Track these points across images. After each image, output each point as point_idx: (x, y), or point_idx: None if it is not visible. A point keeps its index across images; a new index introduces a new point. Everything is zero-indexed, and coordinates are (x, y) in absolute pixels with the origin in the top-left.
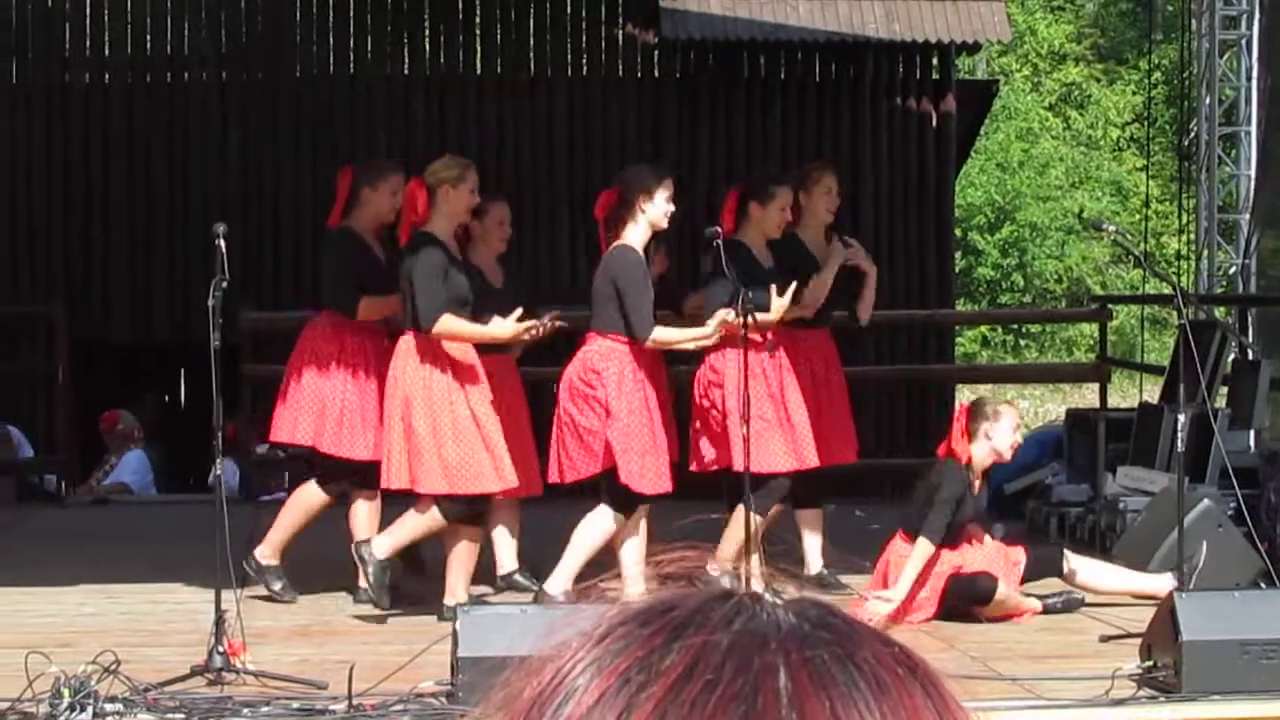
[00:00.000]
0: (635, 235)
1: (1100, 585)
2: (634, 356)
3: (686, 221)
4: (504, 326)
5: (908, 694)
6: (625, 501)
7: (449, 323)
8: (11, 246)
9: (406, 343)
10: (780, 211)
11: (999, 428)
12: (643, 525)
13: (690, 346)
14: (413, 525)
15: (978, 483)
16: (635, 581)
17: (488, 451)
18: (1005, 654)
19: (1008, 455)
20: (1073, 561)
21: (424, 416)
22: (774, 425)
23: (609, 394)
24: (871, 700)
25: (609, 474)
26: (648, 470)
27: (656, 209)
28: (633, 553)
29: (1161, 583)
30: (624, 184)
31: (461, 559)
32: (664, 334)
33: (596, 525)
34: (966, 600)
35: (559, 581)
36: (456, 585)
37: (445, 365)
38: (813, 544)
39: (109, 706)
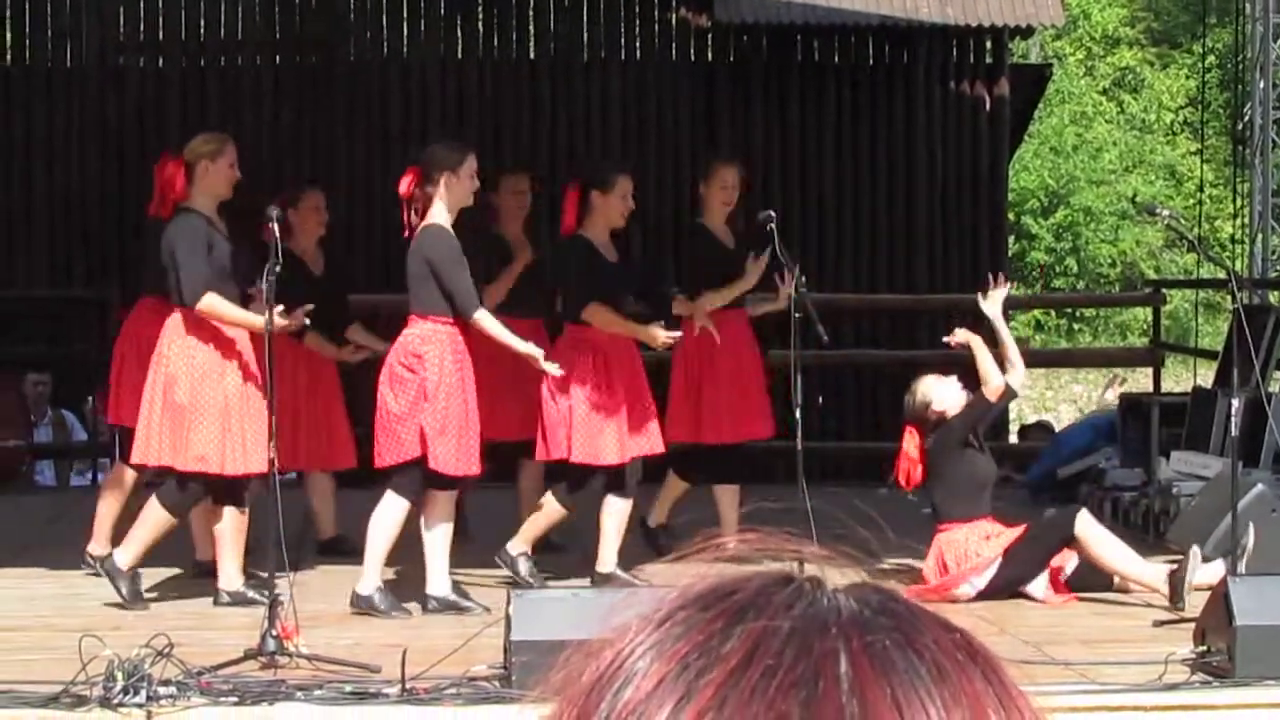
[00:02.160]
0: (441, 214)
1: (1102, 556)
2: (457, 337)
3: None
4: (257, 318)
5: (968, 680)
6: (435, 483)
7: (211, 301)
8: (65, 232)
9: (174, 319)
10: (622, 200)
11: (928, 391)
12: (451, 509)
13: (517, 346)
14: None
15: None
16: (437, 560)
17: (226, 434)
18: (1058, 638)
19: (999, 385)
20: (1082, 524)
21: (187, 394)
22: (608, 416)
23: (427, 377)
24: (932, 686)
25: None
26: (461, 453)
27: (461, 187)
28: (440, 538)
29: (1157, 574)
30: (427, 163)
31: (228, 540)
32: (488, 318)
33: (391, 512)
34: (1048, 546)
35: (370, 579)
36: (228, 567)
37: (210, 341)
38: (729, 519)
39: (162, 690)
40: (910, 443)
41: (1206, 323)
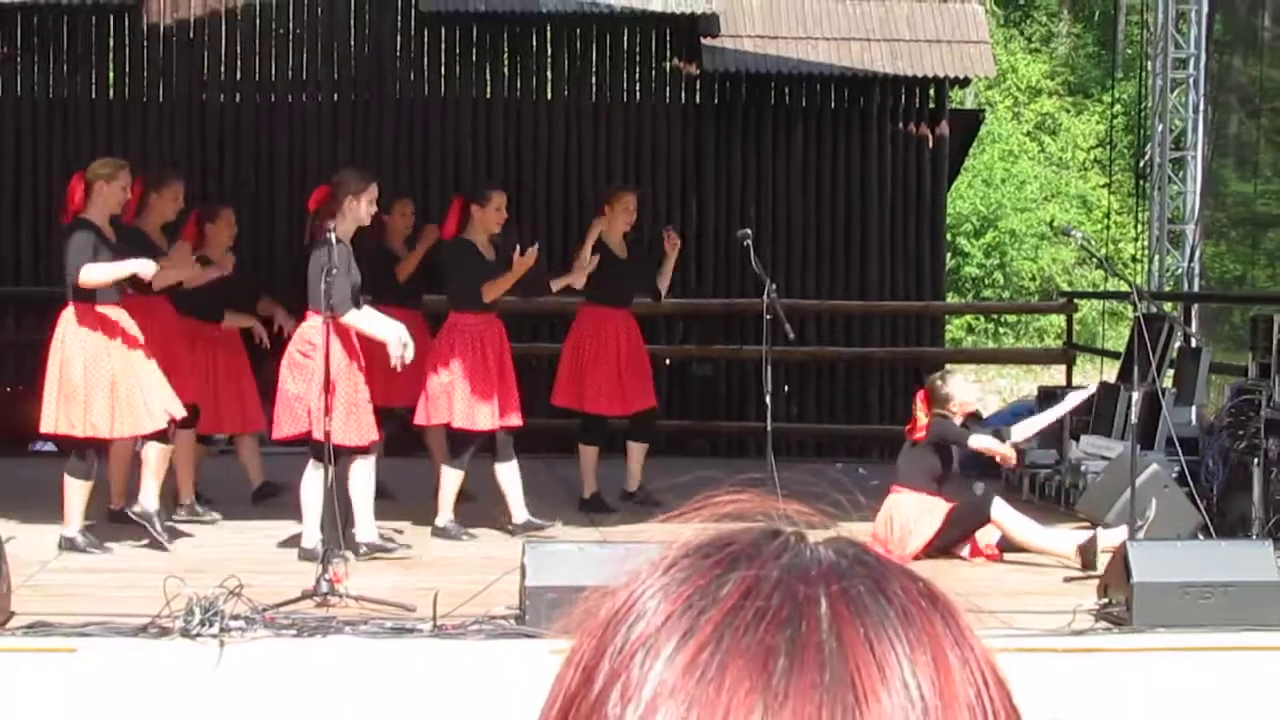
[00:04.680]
0: (342, 228)
1: (1015, 536)
2: (342, 329)
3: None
4: (139, 264)
5: (929, 622)
6: (332, 455)
7: (90, 270)
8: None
9: (67, 313)
10: (496, 211)
11: (956, 389)
12: (370, 471)
13: (379, 335)
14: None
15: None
16: (364, 513)
17: (115, 404)
18: (984, 591)
19: (974, 405)
20: (996, 512)
21: (80, 373)
22: (483, 389)
23: (319, 362)
24: (899, 626)
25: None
26: (350, 425)
27: (360, 208)
28: (363, 495)
29: (1066, 546)
30: (337, 184)
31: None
32: (356, 317)
33: (313, 479)
34: (969, 524)
35: (310, 535)
36: (71, 514)
37: (98, 328)
38: (636, 466)
39: (233, 623)
40: (920, 409)
41: (1111, 328)
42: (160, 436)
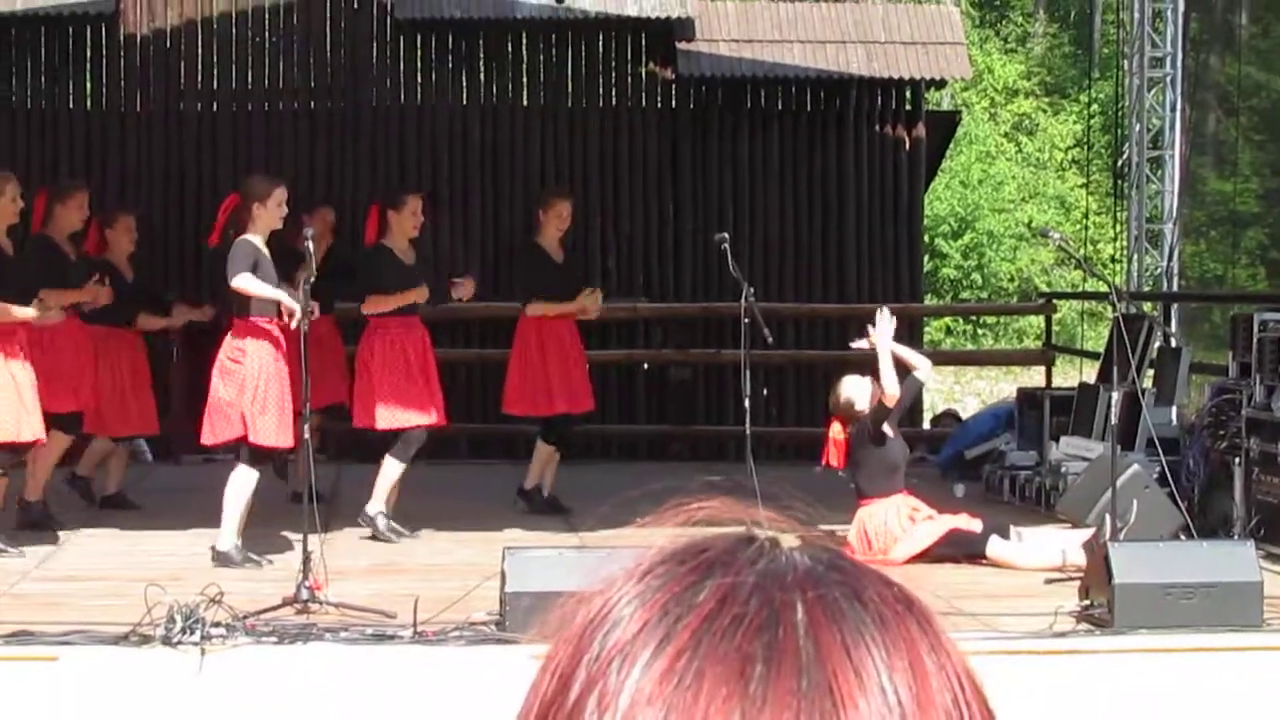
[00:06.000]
0: (252, 231)
1: (1018, 566)
2: (274, 333)
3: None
4: (20, 311)
5: (905, 627)
6: (258, 457)
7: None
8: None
9: None
10: (413, 215)
11: (854, 392)
12: (250, 481)
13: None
14: None
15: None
16: (231, 521)
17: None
18: (966, 593)
19: (895, 391)
20: (993, 550)
21: None
22: (407, 389)
23: (249, 368)
24: (875, 632)
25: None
26: (280, 428)
27: (269, 212)
28: (236, 502)
29: (1073, 555)
30: (245, 191)
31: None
32: (244, 281)
33: (240, 482)
34: (961, 554)
35: (228, 537)
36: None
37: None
38: (537, 470)
39: (214, 630)
40: (836, 430)
41: (1090, 329)
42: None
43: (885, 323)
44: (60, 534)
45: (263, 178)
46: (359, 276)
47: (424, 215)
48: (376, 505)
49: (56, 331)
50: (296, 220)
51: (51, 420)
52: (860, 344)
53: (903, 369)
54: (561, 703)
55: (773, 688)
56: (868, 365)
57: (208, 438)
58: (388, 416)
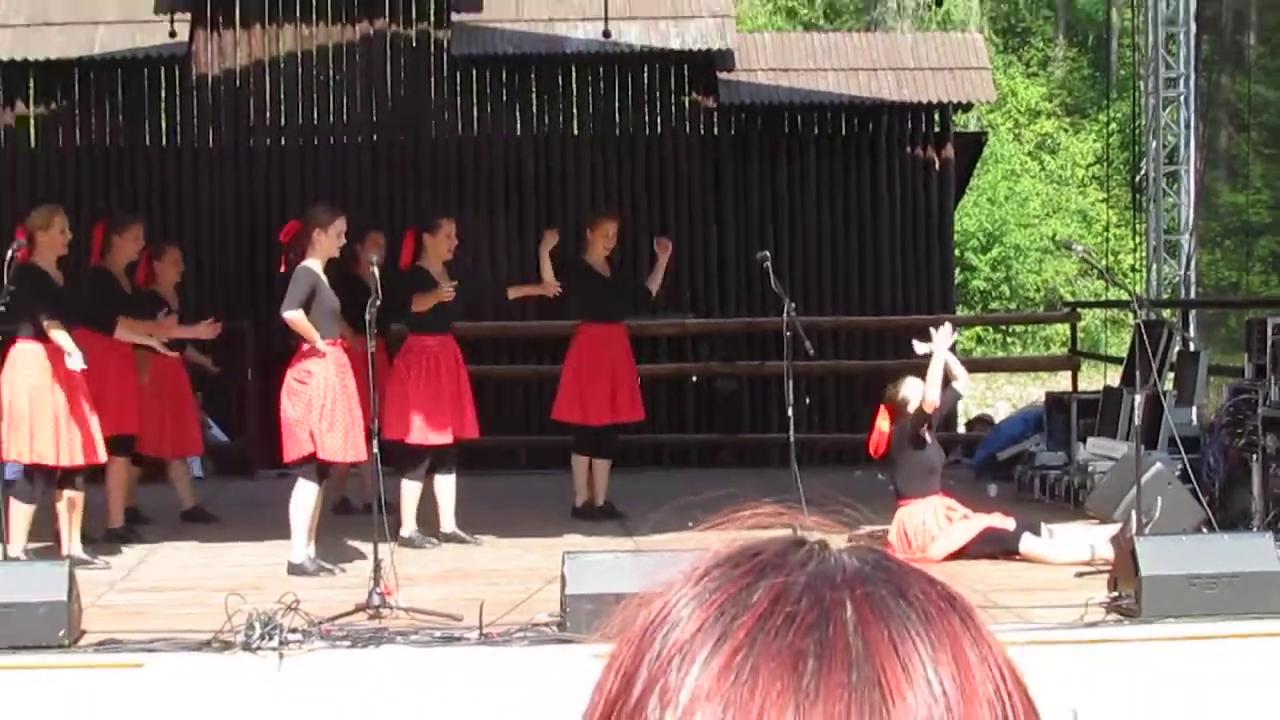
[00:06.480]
0: (312, 259)
1: (1049, 561)
2: (339, 354)
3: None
4: (69, 354)
5: (948, 622)
6: (319, 472)
7: (47, 320)
8: (210, 277)
9: (14, 350)
10: (447, 239)
11: (911, 391)
12: (315, 495)
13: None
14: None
15: (927, 434)
16: (300, 530)
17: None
18: (1001, 587)
19: (935, 399)
20: (1026, 546)
21: (25, 404)
22: (437, 405)
23: (314, 388)
24: (920, 628)
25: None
26: (348, 443)
27: (329, 239)
28: (303, 514)
29: (1102, 549)
30: (306, 218)
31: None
32: (294, 316)
33: (301, 495)
34: (996, 551)
35: (299, 549)
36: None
37: (33, 365)
38: (597, 483)
39: (291, 636)
40: (883, 420)
41: (1113, 335)
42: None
43: (946, 334)
44: (143, 547)
45: (325, 207)
46: (395, 298)
47: (458, 238)
48: (409, 527)
49: (104, 357)
50: (350, 248)
51: (107, 444)
52: (922, 348)
53: (946, 378)
54: (625, 700)
55: (825, 682)
56: (913, 372)
57: (286, 457)
58: (420, 431)
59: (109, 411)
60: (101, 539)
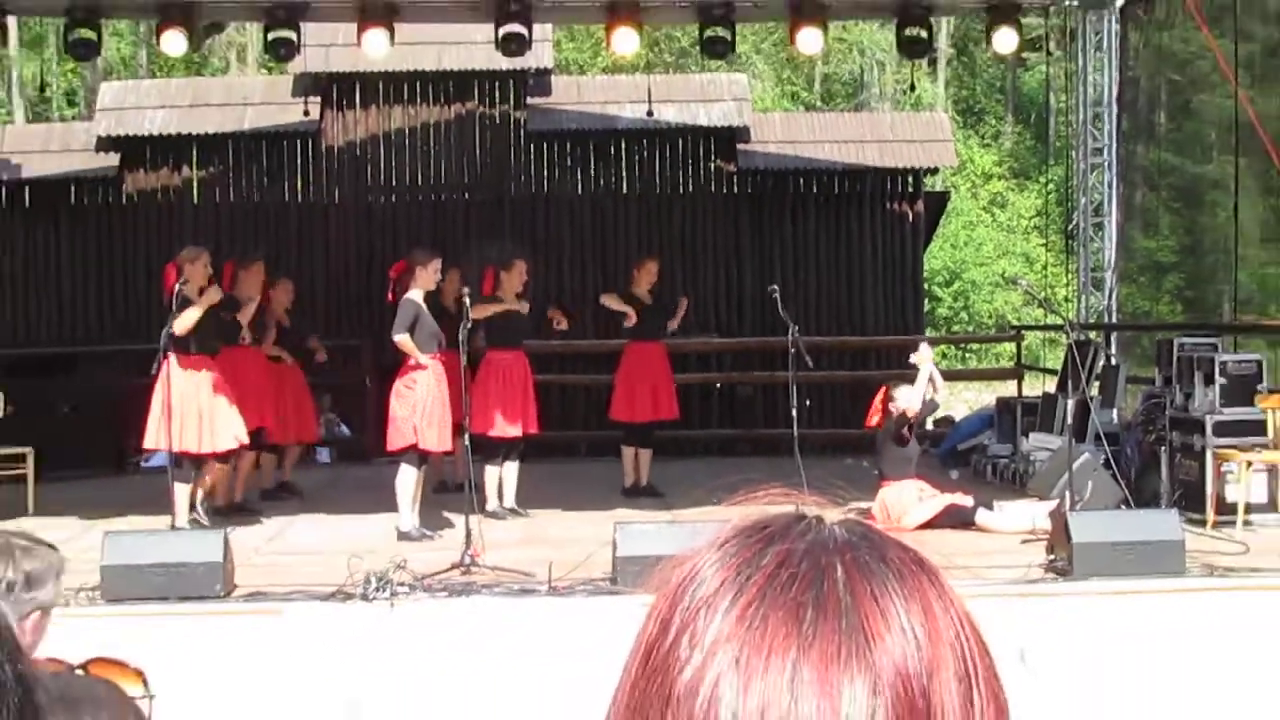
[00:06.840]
0: (415, 291)
1: (1000, 531)
2: (438, 367)
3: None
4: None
5: (918, 580)
6: (418, 459)
7: (181, 322)
8: (337, 304)
9: (172, 359)
10: (520, 274)
11: (902, 396)
12: (416, 475)
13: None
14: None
15: (907, 433)
16: (406, 506)
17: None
18: (961, 552)
19: (916, 407)
20: (981, 518)
21: (178, 403)
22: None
23: (418, 393)
24: (896, 584)
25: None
26: (440, 437)
27: (428, 274)
28: (407, 492)
29: (1027, 521)
30: (410, 258)
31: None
32: (402, 339)
33: (404, 476)
34: (957, 523)
35: (406, 519)
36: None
37: (201, 369)
38: (641, 469)
39: (399, 589)
40: (879, 399)
41: (1050, 352)
42: (225, 456)
43: (927, 352)
44: (283, 518)
45: (424, 249)
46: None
47: (528, 274)
48: (492, 502)
49: (242, 364)
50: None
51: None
52: (914, 358)
53: (928, 388)
54: (662, 641)
55: (820, 628)
56: (898, 380)
57: (390, 446)
58: (499, 427)
59: (246, 408)
60: (231, 509)
